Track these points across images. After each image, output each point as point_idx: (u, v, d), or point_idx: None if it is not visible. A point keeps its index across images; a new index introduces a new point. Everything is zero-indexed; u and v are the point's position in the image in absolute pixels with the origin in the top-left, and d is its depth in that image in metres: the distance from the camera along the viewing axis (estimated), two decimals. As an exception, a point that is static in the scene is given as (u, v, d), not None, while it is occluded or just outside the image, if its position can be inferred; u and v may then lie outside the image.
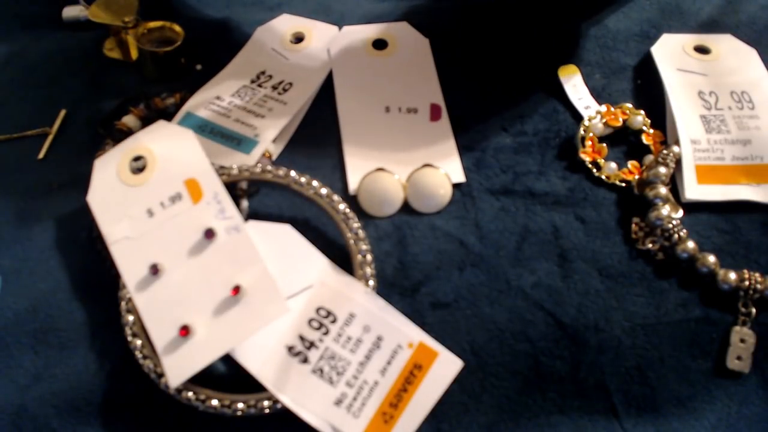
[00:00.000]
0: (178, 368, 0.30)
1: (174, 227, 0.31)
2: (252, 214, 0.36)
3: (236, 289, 0.30)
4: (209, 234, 0.31)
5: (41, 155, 0.40)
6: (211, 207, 0.32)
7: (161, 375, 0.30)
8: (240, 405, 0.30)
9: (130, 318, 0.31)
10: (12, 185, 0.38)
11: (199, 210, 0.32)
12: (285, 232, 0.33)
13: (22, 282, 0.35)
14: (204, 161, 0.32)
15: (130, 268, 0.31)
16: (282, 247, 0.33)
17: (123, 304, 0.32)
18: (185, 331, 0.30)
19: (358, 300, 0.32)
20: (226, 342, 0.30)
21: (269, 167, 0.35)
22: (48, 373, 0.32)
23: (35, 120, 0.41)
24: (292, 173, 0.34)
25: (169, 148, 0.33)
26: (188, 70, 0.43)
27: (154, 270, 0.31)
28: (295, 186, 0.34)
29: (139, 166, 0.33)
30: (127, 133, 0.39)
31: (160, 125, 0.34)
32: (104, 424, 0.31)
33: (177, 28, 0.43)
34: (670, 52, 0.43)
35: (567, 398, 0.32)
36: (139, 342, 0.31)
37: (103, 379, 0.32)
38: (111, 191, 0.33)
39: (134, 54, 0.44)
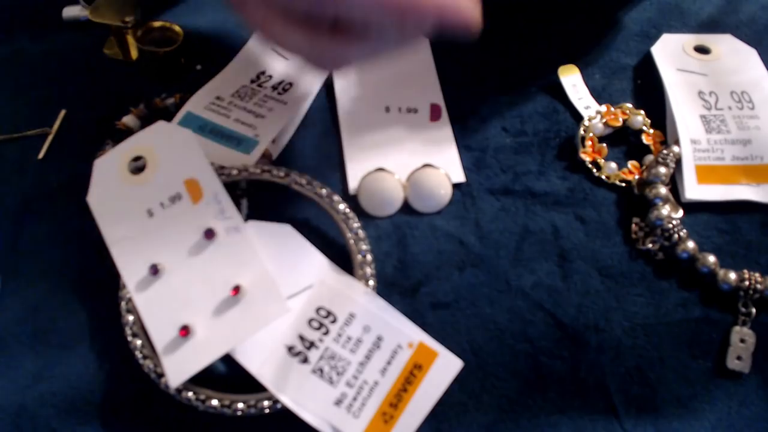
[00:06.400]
0: (178, 368, 0.30)
1: (174, 227, 0.31)
2: (252, 214, 0.36)
3: (236, 289, 0.30)
4: (209, 234, 0.31)
5: (41, 155, 0.40)
6: (211, 207, 0.32)
7: (161, 375, 0.30)
8: (240, 405, 0.30)
9: (130, 318, 0.31)
10: (12, 185, 0.38)
11: (199, 210, 0.32)
12: (285, 232, 0.33)
13: (22, 282, 0.35)
14: (204, 161, 0.32)
15: (130, 268, 0.31)
16: (282, 247, 0.33)
17: (123, 304, 0.32)
18: (185, 331, 0.30)
19: (358, 300, 0.32)
20: (227, 342, 0.30)
21: (269, 167, 0.34)
22: (48, 373, 0.32)
23: (35, 120, 0.41)
24: (292, 173, 0.34)
25: (169, 148, 0.33)
26: (188, 70, 0.43)
27: (154, 270, 0.31)
28: (295, 186, 0.34)
29: (138, 166, 0.33)
30: (127, 133, 0.39)
31: (160, 125, 0.34)
32: (104, 424, 0.31)
33: (177, 28, 0.43)
34: (670, 52, 0.43)
35: (567, 398, 0.32)
36: (139, 342, 0.31)
37: (103, 379, 0.32)
38: (111, 191, 0.33)
39: (134, 54, 0.44)
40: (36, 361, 0.33)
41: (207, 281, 0.31)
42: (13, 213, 0.37)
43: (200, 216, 0.32)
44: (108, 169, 0.33)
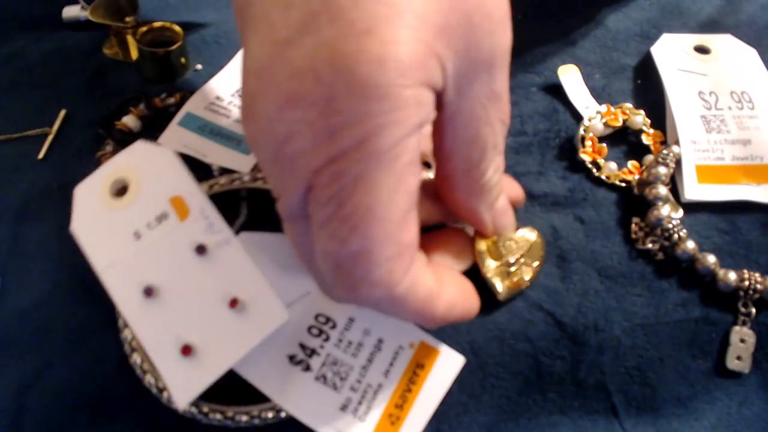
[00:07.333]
0: (184, 388, 0.29)
1: (164, 247, 0.31)
2: (254, 219, 0.36)
3: (234, 302, 0.30)
4: (201, 250, 0.30)
5: (41, 155, 0.40)
6: (199, 223, 0.31)
7: (162, 389, 0.30)
8: (243, 418, 0.30)
9: (128, 334, 0.31)
10: (12, 185, 0.38)
11: (187, 227, 0.31)
12: (278, 241, 0.33)
13: (22, 282, 0.35)
14: (188, 178, 0.32)
15: (123, 293, 0.31)
16: (277, 256, 0.32)
17: (121, 321, 0.31)
18: (188, 350, 0.29)
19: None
20: (230, 356, 0.29)
21: (260, 174, 0.34)
22: (48, 373, 0.32)
23: (35, 120, 0.41)
24: None
25: (151, 168, 0.32)
26: (188, 70, 0.43)
27: (149, 292, 0.30)
28: None
29: (120, 189, 0.32)
30: (128, 133, 0.39)
31: (139, 146, 0.33)
32: (104, 425, 0.31)
33: (177, 28, 0.43)
34: (670, 52, 0.43)
35: (567, 398, 0.32)
36: (138, 358, 0.30)
37: (104, 379, 0.32)
38: (95, 218, 0.32)
39: (134, 54, 0.44)
40: (36, 361, 0.33)
41: (204, 297, 0.30)
42: (13, 213, 0.37)
43: (189, 233, 0.31)
44: (89, 195, 0.32)
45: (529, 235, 0.34)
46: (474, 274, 0.32)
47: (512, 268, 0.33)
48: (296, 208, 0.25)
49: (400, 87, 0.22)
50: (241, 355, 0.29)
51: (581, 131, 0.40)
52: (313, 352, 0.31)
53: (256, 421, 0.30)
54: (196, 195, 0.31)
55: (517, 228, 0.34)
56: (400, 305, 0.26)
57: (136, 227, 0.31)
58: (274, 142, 0.23)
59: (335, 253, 0.24)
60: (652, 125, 0.40)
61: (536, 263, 0.34)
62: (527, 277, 0.33)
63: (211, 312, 0.30)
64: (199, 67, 0.44)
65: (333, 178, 0.23)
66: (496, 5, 0.25)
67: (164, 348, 0.30)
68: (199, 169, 0.37)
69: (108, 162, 0.32)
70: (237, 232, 0.35)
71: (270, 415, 0.30)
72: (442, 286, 0.28)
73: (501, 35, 0.25)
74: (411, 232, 0.25)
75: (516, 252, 0.33)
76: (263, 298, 0.30)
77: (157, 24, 0.43)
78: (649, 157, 0.39)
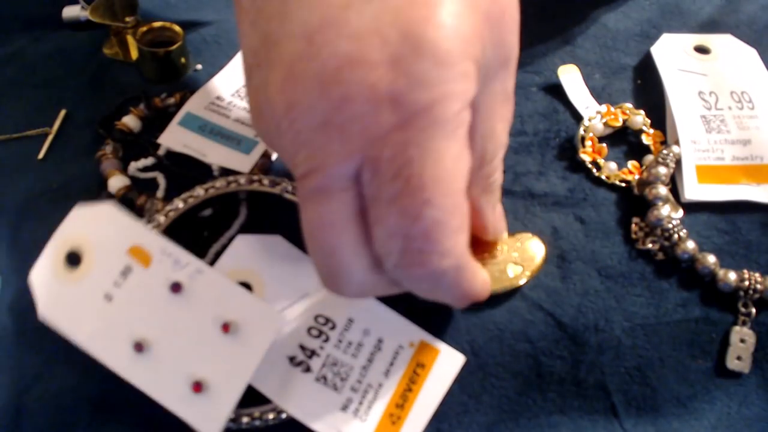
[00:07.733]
0: (209, 423, 0.29)
1: (139, 298, 0.30)
2: (254, 220, 0.36)
3: (226, 326, 0.29)
4: (176, 288, 0.30)
5: (41, 155, 0.40)
6: (165, 263, 0.30)
7: None
8: (245, 419, 0.30)
9: None
10: (12, 185, 0.38)
11: (154, 271, 0.30)
12: (276, 243, 0.33)
13: (22, 282, 0.35)
14: (136, 225, 0.31)
15: (114, 357, 0.30)
16: (275, 258, 0.32)
17: None
18: (198, 386, 0.29)
19: (356, 304, 0.32)
20: (241, 377, 0.29)
21: (258, 177, 0.34)
22: (48, 373, 0.32)
23: (35, 120, 0.41)
24: (284, 182, 0.34)
25: (97, 228, 0.31)
26: (188, 70, 0.43)
27: (139, 347, 0.30)
28: (287, 195, 0.34)
29: (75, 259, 0.31)
30: (128, 133, 0.39)
31: (78, 211, 0.32)
32: (105, 425, 0.31)
33: (177, 28, 0.43)
34: (670, 52, 0.43)
35: (567, 398, 0.32)
36: None
37: (104, 379, 0.32)
38: (60, 296, 0.31)
39: (134, 54, 0.44)
40: (36, 361, 0.33)
41: (196, 331, 0.30)
42: (13, 213, 0.37)
43: (158, 276, 0.30)
44: (46, 276, 0.31)
45: (526, 239, 0.34)
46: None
47: (507, 268, 0.33)
48: (337, 179, 0.24)
49: (463, 58, 0.22)
50: (251, 373, 0.29)
51: (581, 131, 0.40)
52: (313, 353, 0.31)
53: (257, 423, 0.30)
54: (151, 238, 0.31)
55: (518, 233, 0.34)
56: (460, 276, 0.25)
57: (105, 290, 0.30)
58: (326, 106, 0.23)
59: (407, 229, 0.23)
60: (652, 125, 0.40)
61: (532, 267, 0.34)
62: (522, 281, 0.33)
63: (207, 343, 0.29)
64: (199, 67, 0.44)
65: (399, 149, 0.22)
66: (516, 8, 0.26)
67: (175, 392, 0.29)
68: (199, 169, 0.38)
69: (53, 237, 0.31)
70: (236, 233, 0.35)
71: (271, 416, 0.30)
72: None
73: (516, 37, 0.26)
74: (467, 203, 0.25)
75: (511, 255, 0.33)
76: (253, 311, 0.29)
77: (157, 24, 0.43)
78: (649, 157, 0.39)
